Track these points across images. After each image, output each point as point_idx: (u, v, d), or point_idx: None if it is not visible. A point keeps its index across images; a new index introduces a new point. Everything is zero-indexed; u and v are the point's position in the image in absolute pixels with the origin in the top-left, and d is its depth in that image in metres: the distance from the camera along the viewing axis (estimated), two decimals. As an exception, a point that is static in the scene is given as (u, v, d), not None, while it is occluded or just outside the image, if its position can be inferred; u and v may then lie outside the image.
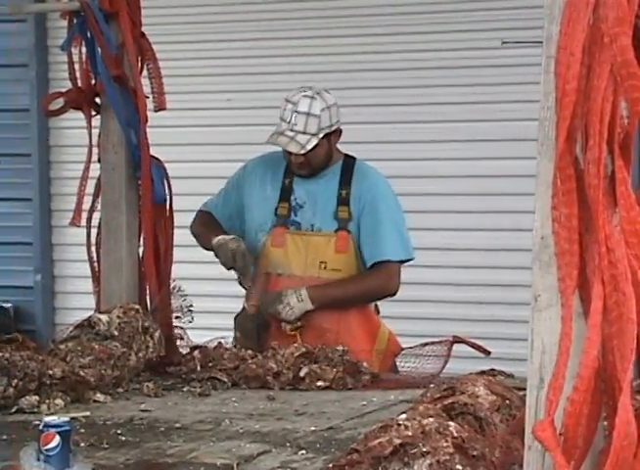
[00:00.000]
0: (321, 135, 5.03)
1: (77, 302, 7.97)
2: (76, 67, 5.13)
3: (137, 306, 5.00)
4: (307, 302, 5.07)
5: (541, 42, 2.23)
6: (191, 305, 5.16)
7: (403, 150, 7.33)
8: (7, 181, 7.85)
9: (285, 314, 5.07)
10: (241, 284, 5.17)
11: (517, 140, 6.61)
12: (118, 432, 3.98)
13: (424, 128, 7.56)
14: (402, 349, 5.31)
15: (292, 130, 4.97)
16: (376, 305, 5.38)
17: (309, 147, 5.00)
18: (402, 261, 5.25)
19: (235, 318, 5.32)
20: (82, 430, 3.80)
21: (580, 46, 2.14)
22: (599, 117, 2.14)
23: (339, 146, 5.25)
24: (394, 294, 5.25)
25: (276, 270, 5.22)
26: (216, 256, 5.20)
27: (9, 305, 7.64)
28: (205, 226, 5.33)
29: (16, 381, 4.40)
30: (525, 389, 2.39)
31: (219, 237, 5.12)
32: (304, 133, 4.97)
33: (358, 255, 5.19)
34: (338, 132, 5.14)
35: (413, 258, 5.28)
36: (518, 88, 6.80)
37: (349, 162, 5.25)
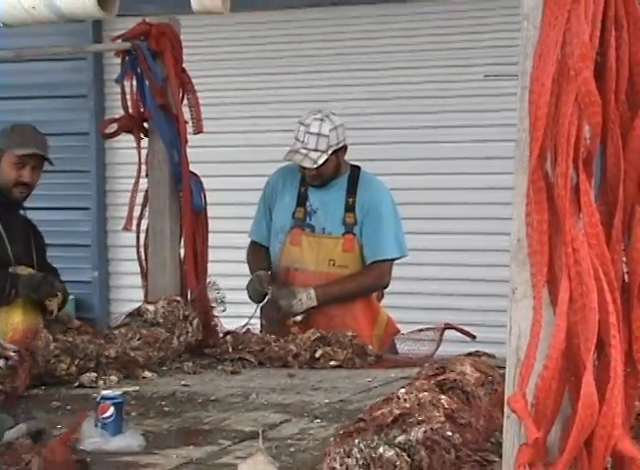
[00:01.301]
0: (330, 152, 5.04)
1: (129, 294, 7.97)
2: (128, 97, 5.13)
3: (179, 298, 5.02)
4: (314, 299, 5.10)
5: (517, 75, 2.23)
6: (224, 297, 5.17)
7: (403, 166, 7.31)
8: (70, 193, 7.84)
9: (295, 308, 5.09)
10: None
11: (496, 158, 6.60)
12: (163, 403, 4.01)
13: (419, 147, 7.55)
14: (398, 331, 5.35)
15: (305, 148, 4.99)
16: (380, 293, 5.40)
17: (320, 162, 5.01)
18: (396, 259, 5.27)
19: (261, 308, 5.32)
20: (133, 402, 3.83)
21: (550, 78, 2.14)
22: (566, 138, 2.14)
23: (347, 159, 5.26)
24: (386, 287, 5.33)
25: (293, 265, 5.24)
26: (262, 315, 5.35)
27: (71, 297, 7.64)
28: (252, 262, 5.39)
29: (77, 360, 4.42)
30: (504, 367, 2.38)
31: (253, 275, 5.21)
32: (316, 150, 4.98)
33: (361, 253, 5.21)
34: (344, 148, 5.15)
35: (406, 255, 5.30)
36: (498, 114, 6.78)
37: (355, 172, 5.27)
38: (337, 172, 5.19)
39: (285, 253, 5.26)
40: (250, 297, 5.19)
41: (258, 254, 5.35)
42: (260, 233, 5.38)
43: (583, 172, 2.15)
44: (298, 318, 5.11)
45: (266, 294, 5.11)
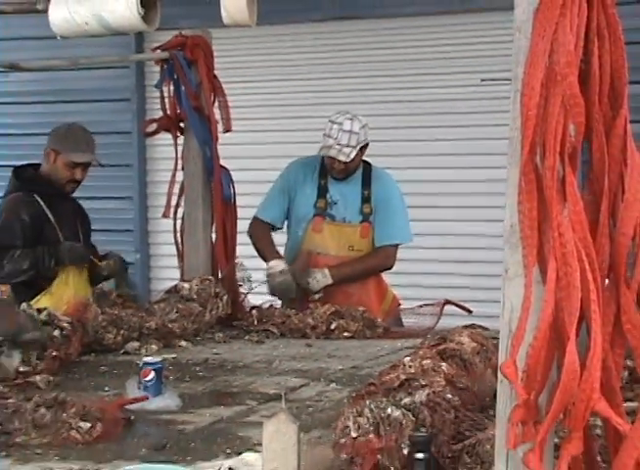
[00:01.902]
0: (359, 148, 5.04)
1: (167, 274, 7.99)
2: (166, 100, 5.14)
3: (210, 277, 5.04)
4: (328, 278, 5.10)
5: (510, 80, 2.22)
6: (250, 276, 5.18)
7: (410, 161, 7.31)
8: (115, 185, 7.86)
9: (312, 286, 5.09)
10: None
11: (492, 154, 6.56)
12: (197, 369, 4.04)
13: (424, 145, 7.54)
14: (399, 304, 5.39)
15: (339, 144, 4.97)
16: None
17: (352, 156, 5.02)
18: (401, 244, 5.29)
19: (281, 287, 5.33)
20: (170, 367, 3.85)
21: (539, 83, 2.14)
22: (553, 136, 2.13)
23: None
24: (391, 268, 5.31)
25: (316, 250, 5.23)
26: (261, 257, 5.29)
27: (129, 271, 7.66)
28: (261, 240, 5.30)
29: (122, 331, 4.44)
30: (497, 338, 2.38)
31: (271, 263, 5.14)
32: (348, 146, 4.98)
33: (373, 238, 5.22)
34: (366, 146, 5.13)
35: (411, 240, 5.32)
36: (493, 115, 6.76)
37: (367, 167, 5.28)
38: (358, 167, 5.21)
39: (307, 238, 5.26)
40: (275, 293, 5.16)
41: (265, 231, 5.32)
42: (272, 213, 5.33)
43: (569, 166, 2.15)
44: (316, 296, 5.12)
45: (292, 292, 5.10)
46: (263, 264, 5.22)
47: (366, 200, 5.22)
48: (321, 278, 5.11)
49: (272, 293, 5.13)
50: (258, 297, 5.25)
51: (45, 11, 2.94)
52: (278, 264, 5.11)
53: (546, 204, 2.15)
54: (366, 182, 5.24)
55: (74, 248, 4.93)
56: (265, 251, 5.24)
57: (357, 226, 5.23)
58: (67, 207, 5.02)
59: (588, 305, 2.13)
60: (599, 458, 2.33)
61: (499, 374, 2.28)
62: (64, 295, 4.75)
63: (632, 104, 2.24)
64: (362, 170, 5.25)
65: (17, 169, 5.04)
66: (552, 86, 2.13)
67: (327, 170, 5.23)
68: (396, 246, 5.28)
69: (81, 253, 4.94)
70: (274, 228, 5.36)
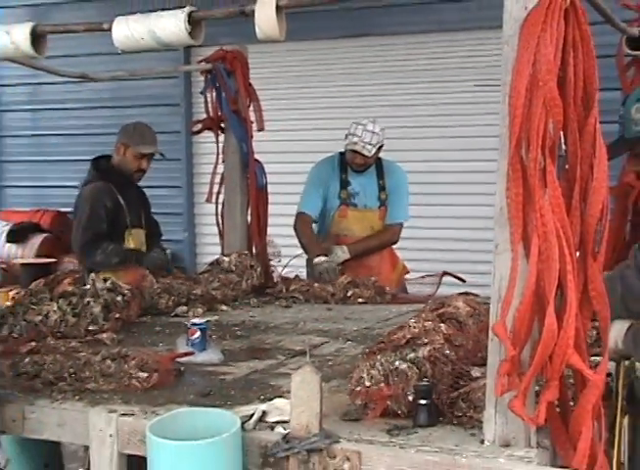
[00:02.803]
0: (377, 146, 5.07)
1: (210, 249, 7.99)
2: (209, 104, 5.13)
3: (246, 252, 5.03)
4: (347, 253, 5.12)
5: (500, 85, 2.21)
6: (279, 252, 5.19)
7: (417, 155, 7.26)
8: (167, 176, 7.87)
9: (334, 260, 5.08)
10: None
11: (484, 149, 6.54)
12: (235, 329, 4.03)
13: (427, 141, 7.52)
14: (408, 272, 5.39)
15: (362, 142, 5.00)
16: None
17: (373, 152, 5.06)
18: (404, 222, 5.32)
19: (307, 261, 5.33)
20: (213, 327, 3.84)
21: (524, 88, 2.13)
22: (536, 132, 2.13)
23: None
24: (396, 243, 5.33)
25: (342, 232, 5.24)
26: (308, 266, 5.24)
27: (168, 251, 7.67)
28: (305, 236, 5.23)
29: (173, 297, 4.45)
30: (487, 303, 2.39)
31: (315, 260, 5.05)
32: (370, 144, 5.01)
33: None
34: (382, 146, 5.15)
35: (408, 219, 5.34)
36: (486, 116, 6.72)
37: (379, 161, 5.28)
38: (373, 162, 5.21)
39: (335, 223, 5.27)
40: (319, 278, 5.00)
41: (306, 223, 5.28)
42: (313, 207, 5.28)
43: (549, 157, 2.15)
44: (339, 267, 5.10)
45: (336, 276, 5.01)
46: (290, 242, 5.22)
47: (382, 188, 5.24)
48: (340, 253, 5.12)
49: (317, 281, 5.05)
50: (286, 269, 5.25)
51: (109, 29, 2.93)
52: (321, 260, 5.07)
53: (530, 190, 2.16)
54: (380, 174, 5.25)
55: (156, 259, 4.98)
56: (310, 246, 5.19)
57: (376, 211, 5.24)
58: (133, 193, 5.02)
59: (565, 276, 2.14)
60: (571, 403, 2.34)
61: (490, 333, 2.29)
62: (122, 271, 4.77)
63: (601, 107, 2.24)
64: (376, 165, 5.25)
65: (95, 161, 5.04)
66: (535, 90, 2.13)
67: (346, 166, 5.23)
68: (401, 224, 5.29)
69: (161, 264, 4.98)
70: (315, 221, 5.36)
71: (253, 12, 2.78)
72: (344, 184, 5.24)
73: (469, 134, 7.30)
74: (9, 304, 3.82)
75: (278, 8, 2.76)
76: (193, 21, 2.85)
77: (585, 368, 2.18)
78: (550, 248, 2.12)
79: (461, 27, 7.26)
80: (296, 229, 5.26)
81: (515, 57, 2.16)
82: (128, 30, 2.87)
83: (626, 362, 2.88)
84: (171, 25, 2.84)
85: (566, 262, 2.13)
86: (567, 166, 2.25)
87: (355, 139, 5.01)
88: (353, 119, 5.15)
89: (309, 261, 5.25)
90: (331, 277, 4.96)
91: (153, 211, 5.30)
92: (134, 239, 4.96)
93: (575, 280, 2.16)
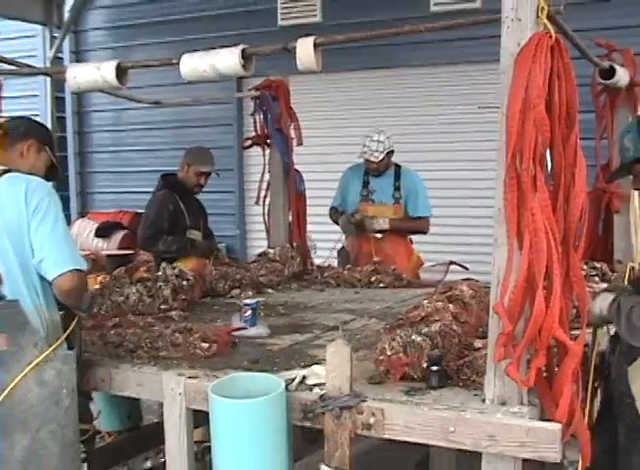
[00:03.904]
0: (385, 152, 5.09)
1: (257, 243, 8.03)
2: (258, 124, 5.13)
3: (288, 245, 5.04)
4: (387, 223, 5.15)
5: (498, 107, 2.21)
6: (315, 245, 5.20)
7: (429, 165, 7.21)
8: (222, 183, 7.78)
9: (375, 225, 5.15)
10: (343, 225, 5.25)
11: (486, 161, 6.49)
12: (280, 308, 4.04)
13: (437, 153, 7.48)
14: (422, 264, 5.36)
15: (370, 150, 5.05)
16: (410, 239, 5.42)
17: (380, 158, 5.08)
18: (430, 216, 5.31)
19: (338, 252, 5.34)
20: (262, 307, 3.83)
21: (518, 109, 2.12)
22: (528, 146, 2.12)
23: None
24: (426, 233, 5.35)
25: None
26: (337, 223, 5.32)
27: (223, 245, 7.70)
28: (335, 218, 5.34)
29: (229, 282, 4.48)
30: (487, 287, 2.38)
31: (342, 217, 5.22)
32: (377, 151, 5.06)
33: (404, 214, 5.23)
34: (392, 152, 5.16)
35: (431, 215, 5.32)
36: (487, 133, 6.68)
37: (397, 168, 5.29)
38: (387, 166, 5.21)
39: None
40: (343, 229, 5.22)
41: (337, 213, 5.36)
42: (340, 202, 5.39)
43: (539, 166, 2.14)
44: (378, 235, 5.17)
45: (357, 224, 5.15)
46: (324, 237, 5.25)
47: (396, 189, 5.23)
48: (382, 223, 5.15)
49: (343, 230, 5.24)
50: (320, 259, 5.27)
51: (178, 64, 2.95)
52: (343, 218, 5.20)
53: (523, 194, 2.15)
54: (396, 177, 5.25)
55: (205, 245, 5.04)
56: (341, 221, 5.26)
57: (391, 206, 5.23)
58: (193, 203, 5.10)
59: (551, 264, 2.13)
60: (555, 368, 2.34)
61: (490, 311, 2.28)
62: (188, 261, 4.82)
63: (580, 126, 2.24)
64: (394, 169, 5.27)
65: (163, 176, 5.13)
66: (527, 112, 2.12)
67: (367, 171, 5.26)
68: (428, 218, 5.30)
69: (208, 250, 5.04)
70: (342, 212, 5.37)
71: (295, 48, 2.79)
72: (365, 184, 5.29)
73: (473, 148, 7.26)
74: (97, 287, 3.85)
75: (315, 45, 2.78)
76: (245, 56, 2.86)
77: (567, 340, 2.18)
78: (539, 242, 2.11)
79: (465, 60, 7.23)
80: (331, 218, 5.40)
81: (510, 84, 2.15)
82: (193, 64, 2.89)
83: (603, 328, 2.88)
84: (228, 60, 2.85)
85: (552, 254, 2.12)
86: (552, 175, 2.24)
87: (365, 149, 5.09)
88: (365, 134, 5.19)
89: (339, 251, 5.32)
90: (348, 226, 5.16)
91: (212, 211, 5.35)
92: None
93: (560, 268, 2.15)
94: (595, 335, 2.83)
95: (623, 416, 2.71)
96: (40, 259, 2.58)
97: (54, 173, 2.97)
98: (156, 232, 4.84)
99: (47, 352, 2.58)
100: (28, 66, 4.20)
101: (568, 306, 2.28)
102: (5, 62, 3.43)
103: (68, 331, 2.71)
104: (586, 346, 2.71)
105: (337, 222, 5.30)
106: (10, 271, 2.58)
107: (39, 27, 8.87)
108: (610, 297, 2.71)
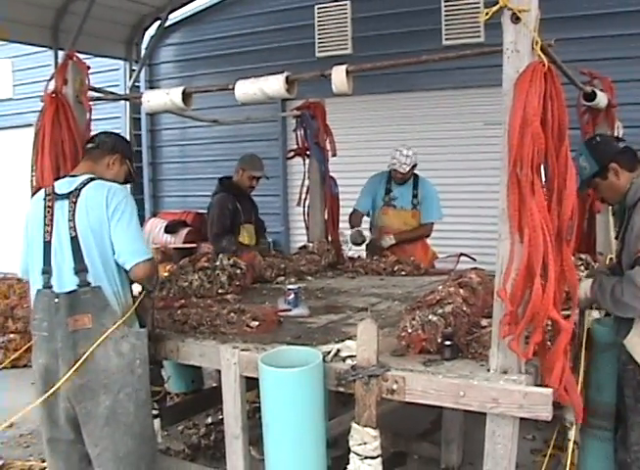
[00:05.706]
0: (411, 166, 5.02)
1: (299, 238, 8.04)
2: (299, 139, 5.13)
3: (324, 240, 5.03)
4: (393, 240, 5.06)
5: (501, 123, 2.19)
6: (346, 240, 5.19)
7: (443, 173, 7.15)
8: (270, 187, 7.86)
9: (384, 244, 5.07)
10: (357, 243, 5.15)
11: (491, 168, 6.43)
12: (317, 292, 4.03)
13: (449, 164, 7.42)
14: (437, 257, 5.30)
15: (399, 162, 4.97)
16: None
17: (407, 169, 5.00)
18: (434, 221, 5.22)
19: (367, 245, 5.32)
20: (303, 291, 3.80)
21: (519, 124, 2.11)
22: (527, 156, 2.11)
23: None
24: (429, 236, 5.24)
25: (385, 225, 5.17)
26: (367, 249, 5.26)
27: (270, 239, 7.72)
28: (353, 223, 5.18)
29: (275, 270, 4.47)
30: (492, 276, 2.37)
31: (352, 230, 5.07)
32: (405, 164, 4.97)
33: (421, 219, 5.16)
34: (415, 165, 5.08)
35: (442, 217, 5.24)
36: (491, 146, 6.62)
37: (416, 177, 5.20)
38: (410, 177, 5.13)
39: (379, 219, 5.20)
40: (352, 242, 5.08)
41: (357, 216, 5.24)
42: (364, 206, 5.26)
43: (536, 173, 2.13)
44: (386, 247, 5.07)
45: (363, 241, 5.04)
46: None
47: (414, 196, 5.14)
48: (389, 240, 5.08)
49: (351, 240, 5.09)
50: (351, 252, 5.24)
51: (233, 89, 2.97)
52: (352, 231, 5.07)
53: (523, 196, 2.14)
54: (415, 186, 5.16)
55: (252, 249, 4.98)
56: (357, 220, 5.20)
57: (409, 212, 5.15)
58: (247, 202, 5.11)
59: (547, 256, 2.12)
60: (549, 343, 2.32)
61: (495, 296, 2.27)
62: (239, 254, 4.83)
63: (570, 140, 2.22)
64: (413, 179, 5.18)
65: (221, 180, 5.15)
66: (525, 127, 2.11)
67: (391, 179, 5.19)
68: (432, 223, 5.20)
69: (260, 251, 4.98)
70: (367, 215, 5.32)
71: (330, 75, 2.80)
72: (388, 191, 5.19)
73: (480, 158, 7.19)
74: (166, 274, 3.89)
75: (347, 72, 2.78)
76: (289, 81, 2.88)
77: (560, 319, 2.17)
78: (537, 237, 2.10)
79: (472, 85, 7.18)
80: (349, 219, 5.24)
81: (511, 105, 2.14)
82: (245, 89, 2.91)
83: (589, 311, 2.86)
84: (274, 85, 2.87)
85: (548, 247, 2.11)
86: (547, 180, 2.23)
87: (394, 161, 4.99)
88: (395, 147, 5.12)
89: (368, 246, 5.26)
90: (357, 240, 5.01)
91: (261, 211, 5.36)
92: (247, 231, 5.04)
93: (554, 259, 2.13)
94: (582, 316, 2.82)
95: (629, 381, 2.69)
96: (119, 252, 2.62)
97: (131, 180, 3.01)
98: (221, 229, 4.85)
99: (117, 325, 2.61)
100: (112, 93, 4.27)
101: (561, 291, 2.26)
102: (95, 90, 3.51)
103: (129, 311, 2.69)
104: (576, 325, 2.70)
105: (352, 225, 5.17)
106: (93, 262, 2.62)
107: (121, 62, 9.15)
108: (590, 281, 2.71)
